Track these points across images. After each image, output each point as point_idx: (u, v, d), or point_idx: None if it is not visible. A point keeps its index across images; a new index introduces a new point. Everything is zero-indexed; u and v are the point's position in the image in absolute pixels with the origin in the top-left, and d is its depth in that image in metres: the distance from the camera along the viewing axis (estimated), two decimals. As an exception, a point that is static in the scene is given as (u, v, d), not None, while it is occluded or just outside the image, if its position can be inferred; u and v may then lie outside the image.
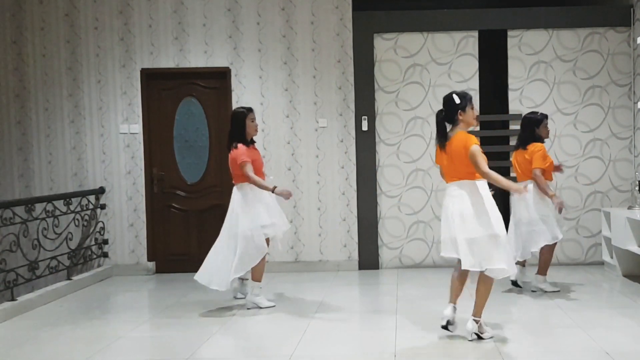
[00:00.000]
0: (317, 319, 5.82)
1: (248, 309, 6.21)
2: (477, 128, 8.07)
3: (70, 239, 7.63)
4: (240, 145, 6.18)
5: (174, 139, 8.22)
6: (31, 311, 6.39)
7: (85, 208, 7.87)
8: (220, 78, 8.15)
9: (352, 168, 8.08)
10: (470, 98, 5.05)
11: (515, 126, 8.06)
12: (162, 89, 8.21)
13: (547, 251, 6.60)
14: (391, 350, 4.84)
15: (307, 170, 8.11)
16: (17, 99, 8.20)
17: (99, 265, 8.14)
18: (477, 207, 4.88)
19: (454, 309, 5.12)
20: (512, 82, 8.10)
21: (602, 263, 7.92)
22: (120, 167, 8.17)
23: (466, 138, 4.95)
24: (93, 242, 8.04)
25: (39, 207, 7.14)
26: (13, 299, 6.33)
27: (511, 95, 8.10)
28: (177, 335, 5.50)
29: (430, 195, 8.10)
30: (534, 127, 6.59)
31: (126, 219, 8.18)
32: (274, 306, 6.25)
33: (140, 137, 8.16)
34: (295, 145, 8.12)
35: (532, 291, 6.64)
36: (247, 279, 6.49)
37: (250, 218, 6.09)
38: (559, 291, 6.61)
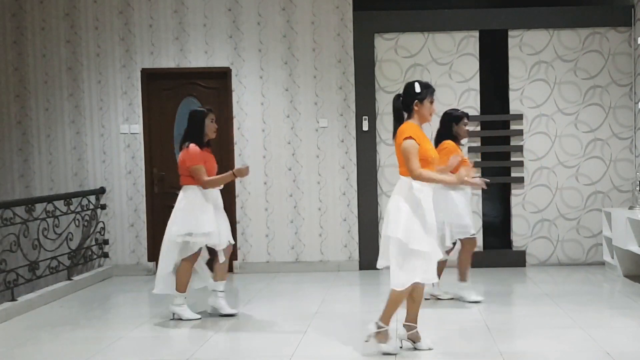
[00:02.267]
0: (318, 320, 5.81)
1: (171, 319, 5.85)
2: (478, 128, 8.07)
3: (71, 239, 7.63)
4: (192, 146, 5.78)
5: (174, 139, 8.21)
6: (31, 311, 6.38)
7: (85, 208, 7.86)
8: (220, 78, 8.15)
9: (352, 168, 8.07)
10: (433, 91, 4.72)
11: (516, 126, 8.08)
12: (163, 89, 8.21)
13: (459, 258, 6.29)
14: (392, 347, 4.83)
15: (308, 171, 8.11)
16: (17, 99, 8.20)
17: (99, 266, 8.14)
18: (401, 208, 4.54)
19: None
20: (512, 82, 8.09)
21: (602, 263, 7.91)
22: (120, 167, 8.17)
23: (404, 129, 4.61)
24: (93, 243, 8.04)
25: (39, 207, 7.13)
26: (13, 299, 6.32)
27: (512, 95, 8.10)
28: (178, 335, 5.50)
29: (430, 195, 8.08)
30: (452, 123, 6.21)
31: (126, 219, 8.18)
32: (200, 318, 5.85)
33: (140, 137, 8.15)
34: (296, 145, 8.11)
35: (449, 299, 6.34)
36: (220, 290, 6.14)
37: (188, 223, 5.71)
38: (451, 299, 6.31)
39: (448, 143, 6.12)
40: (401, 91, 4.79)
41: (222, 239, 5.85)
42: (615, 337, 5.10)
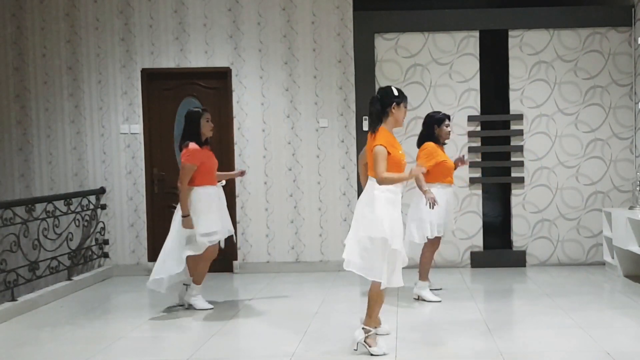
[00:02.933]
0: (318, 319, 5.81)
1: (186, 308, 6.26)
2: (478, 128, 8.07)
3: (71, 239, 7.63)
4: (192, 145, 6.02)
5: (174, 139, 8.21)
6: (32, 311, 6.38)
7: (85, 208, 7.86)
8: (220, 78, 8.15)
9: (352, 168, 8.07)
10: (406, 98, 4.94)
11: (516, 126, 8.08)
12: (163, 89, 8.21)
13: (424, 256, 6.31)
14: (392, 347, 4.83)
15: (308, 171, 8.11)
16: (17, 99, 8.20)
17: (99, 266, 8.14)
18: (369, 207, 4.65)
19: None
20: (513, 82, 8.09)
21: (603, 263, 7.91)
22: (120, 168, 8.17)
23: (379, 135, 4.78)
24: (93, 243, 8.04)
25: (39, 208, 7.13)
26: (13, 299, 6.32)
27: (512, 95, 8.09)
28: (178, 335, 5.50)
29: (431, 195, 8.09)
30: (434, 125, 6.34)
31: (127, 219, 8.18)
32: (212, 308, 6.23)
33: (140, 137, 8.16)
34: (296, 145, 8.11)
35: (414, 299, 6.33)
36: (190, 285, 6.34)
37: (201, 224, 6.00)
38: (440, 302, 6.26)
39: (428, 144, 6.31)
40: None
41: (224, 233, 6.22)
42: (615, 337, 5.10)
